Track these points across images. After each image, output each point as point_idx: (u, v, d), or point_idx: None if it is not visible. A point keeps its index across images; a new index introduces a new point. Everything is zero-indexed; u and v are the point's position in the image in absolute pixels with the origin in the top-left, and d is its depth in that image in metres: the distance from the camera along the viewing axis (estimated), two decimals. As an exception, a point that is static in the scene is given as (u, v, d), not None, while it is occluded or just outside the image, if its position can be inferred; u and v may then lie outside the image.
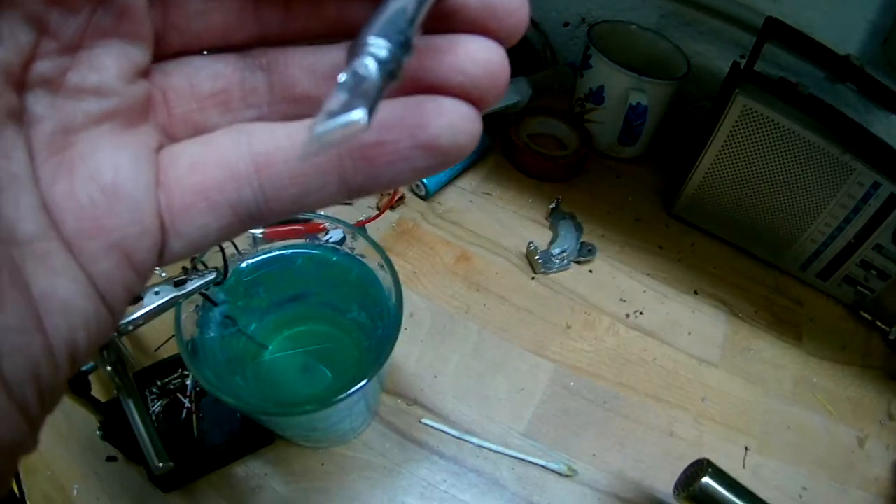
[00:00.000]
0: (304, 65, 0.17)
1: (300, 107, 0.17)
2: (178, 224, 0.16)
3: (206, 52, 0.17)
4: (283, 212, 0.16)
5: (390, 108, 0.15)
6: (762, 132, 0.58)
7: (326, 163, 0.16)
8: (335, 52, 0.17)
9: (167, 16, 0.16)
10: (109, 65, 0.15)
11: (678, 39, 0.72)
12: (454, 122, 0.15)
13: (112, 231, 0.15)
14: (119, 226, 0.15)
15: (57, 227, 0.14)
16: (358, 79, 0.13)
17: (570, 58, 0.82)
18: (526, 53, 0.81)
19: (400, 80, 0.14)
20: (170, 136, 0.17)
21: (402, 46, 0.13)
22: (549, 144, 0.72)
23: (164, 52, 0.16)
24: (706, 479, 0.42)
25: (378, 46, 0.13)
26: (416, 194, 0.65)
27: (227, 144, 0.16)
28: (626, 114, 0.67)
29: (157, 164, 0.16)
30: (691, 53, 0.72)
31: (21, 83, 0.14)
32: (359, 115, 0.12)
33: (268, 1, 0.16)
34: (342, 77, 0.13)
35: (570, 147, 0.70)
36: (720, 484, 0.42)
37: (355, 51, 0.13)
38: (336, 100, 0.13)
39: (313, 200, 0.16)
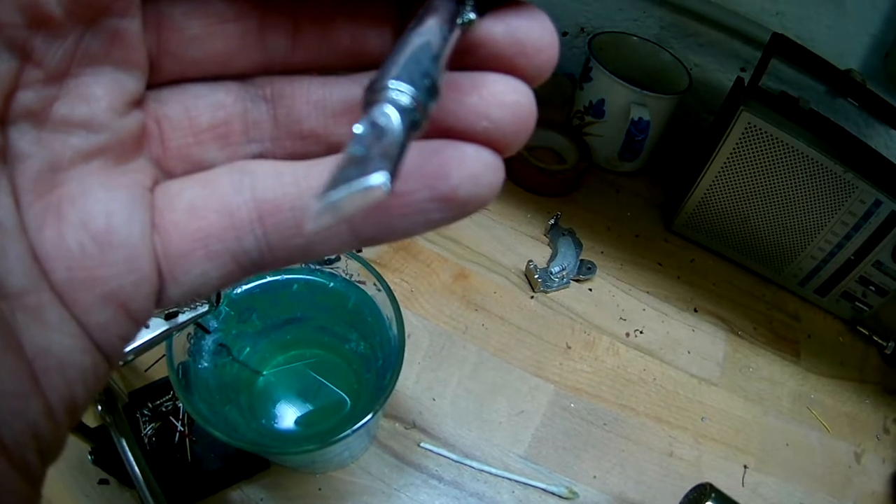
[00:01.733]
0: (312, 99, 0.16)
1: (306, 143, 0.16)
2: (176, 271, 0.15)
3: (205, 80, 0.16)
4: (287, 261, 0.15)
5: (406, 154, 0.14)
6: (766, 149, 0.58)
7: (331, 225, 0.15)
8: (347, 87, 0.16)
9: (162, 41, 0.14)
10: (100, 95, 0.14)
11: (678, 51, 0.72)
12: (476, 172, 0.14)
13: (106, 281, 0.14)
14: (114, 275, 0.14)
15: (47, 278, 0.13)
16: (377, 131, 0.11)
17: (568, 68, 0.81)
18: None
19: (424, 129, 0.12)
20: (165, 171, 0.15)
21: (428, 92, 0.12)
22: (547, 157, 0.72)
23: (159, 79, 0.15)
24: (709, 504, 0.42)
25: (400, 91, 0.12)
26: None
27: (228, 188, 0.15)
28: (628, 129, 0.66)
29: (151, 204, 0.15)
30: (691, 65, 0.72)
31: (2, 117, 0.13)
32: (379, 179, 0.11)
33: (273, 26, 0.15)
34: (358, 128, 0.11)
35: (569, 161, 0.70)
36: (723, 509, 0.42)
37: (374, 96, 0.12)
38: (352, 157, 0.11)
39: (321, 250, 0.15)
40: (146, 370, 0.48)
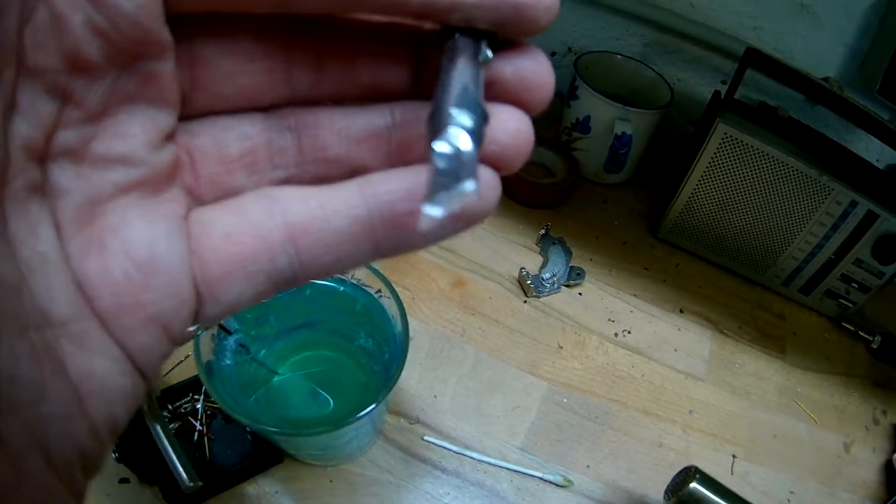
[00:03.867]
0: (334, 128, 0.17)
1: (330, 168, 0.17)
2: (216, 292, 0.16)
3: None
4: (317, 276, 0.17)
5: (421, 177, 0.15)
6: (743, 158, 0.60)
7: (360, 231, 0.16)
8: (367, 117, 0.17)
9: (194, 77, 0.15)
10: (136, 132, 0.14)
11: (662, 67, 0.75)
12: (482, 190, 0.15)
13: (150, 305, 0.14)
14: (157, 300, 0.15)
15: (91, 305, 0.14)
16: (455, 149, 0.13)
17: (557, 87, 0.84)
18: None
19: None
20: (196, 198, 0.16)
21: (483, 117, 0.14)
22: (537, 172, 0.75)
23: (190, 112, 0.16)
24: (694, 485, 0.44)
25: (462, 116, 0.13)
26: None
27: (260, 214, 0.16)
28: (612, 143, 0.69)
29: (187, 232, 0.16)
30: (674, 80, 0.75)
31: (43, 155, 0.13)
32: (472, 185, 0.13)
33: (300, 64, 0.16)
34: (442, 146, 0.13)
35: (559, 174, 0.73)
36: (708, 489, 0.44)
37: (440, 121, 0.13)
38: (439, 172, 0.13)
39: (348, 265, 0.17)
40: (165, 374, 0.51)
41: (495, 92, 0.16)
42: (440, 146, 0.13)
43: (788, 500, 0.53)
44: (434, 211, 0.13)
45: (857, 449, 0.58)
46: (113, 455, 0.43)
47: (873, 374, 0.65)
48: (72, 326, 0.13)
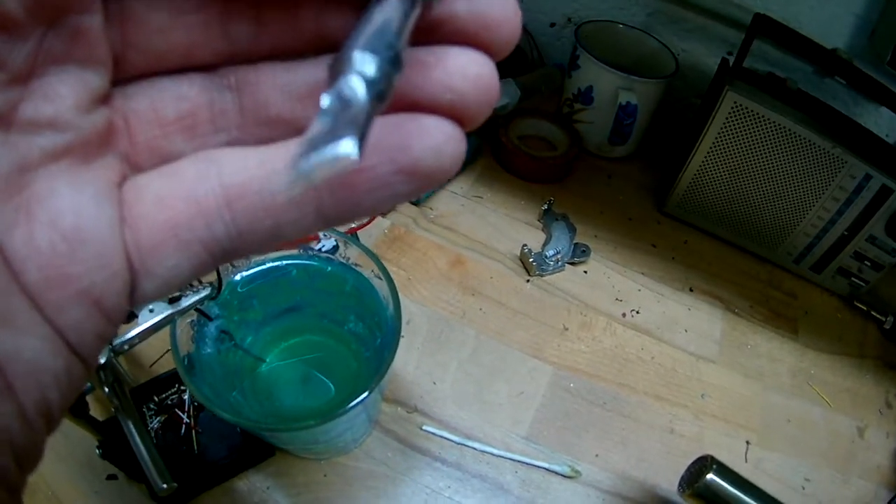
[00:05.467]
0: (277, 84, 0.16)
1: (274, 130, 0.16)
2: (149, 264, 0.15)
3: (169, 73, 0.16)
4: (258, 245, 0.15)
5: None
6: (753, 128, 0.58)
7: (302, 194, 0.14)
8: (312, 70, 0.16)
9: (126, 35, 0.14)
10: (65, 94, 0.13)
11: (665, 37, 0.73)
12: (438, 144, 0.14)
13: (78, 278, 0.13)
14: (85, 272, 0.14)
15: (18, 279, 0.13)
16: (344, 102, 0.12)
17: (557, 58, 0.82)
18: (513, 55, 0.81)
19: (389, 100, 0.12)
20: (133, 166, 0.15)
21: (392, 62, 0.12)
22: (538, 146, 0.72)
23: (124, 75, 0.15)
24: (711, 476, 0.42)
25: (364, 62, 0.12)
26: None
27: (194, 177, 0.15)
28: (616, 113, 0.67)
29: (120, 200, 0.15)
30: (678, 51, 0.73)
31: None
32: (348, 147, 0.11)
33: (237, 15, 0.15)
34: (325, 100, 0.12)
35: (560, 148, 0.71)
36: (725, 480, 0.42)
37: (339, 68, 0.12)
38: (320, 128, 0.11)
39: (289, 232, 0.15)
40: (151, 365, 0.49)
41: (449, 33, 0.14)
42: (325, 98, 0.11)
43: (803, 488, 0.51)
44: (299, 172, 0.11)
45: (870, 433, 0.56)
46: (97, 451, 0.41)
47: (886, 355, 0.63)
48: None
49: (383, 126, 0.14)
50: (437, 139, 0.14)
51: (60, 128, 0.13)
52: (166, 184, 0.15)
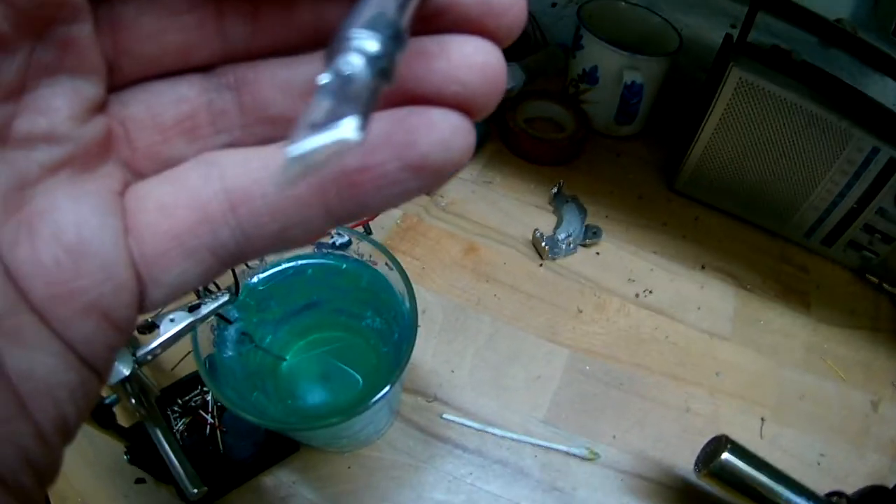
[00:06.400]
0: (276, 81, 0.15)
1: (276, 128, 0.15)
2: (155, 273, 0.14)
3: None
4: (266, 249, 0.15)
5: (373, 125, 0.12)
6: (759, 103, 0.58)
7: (308, 193, 0.14)
8: (312, 65, 0.15)
9: (118, 41, 0.14)
10: (59, 105, 0.13)
11: (668, 13, 0.72)
12: (445, 137, 0.13)
13: (85, 292, 0.13)
14: (91, 286, 0.13)
15: (25, 297, 0.13)
16: (343, 80, 0.11)
17: (560, 38, 0.81)
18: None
19: (394, 81, 0.12)
20: (135, 173, 0.15)
21: (394, 39, 0.11)
22: (546, 128, 0.72)
23: (120, 81, 0.15)
24: (726, 455, 0.42)
25: (365, 38, 0.11)
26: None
27: (196, 182, 0.14)
28: (622, 93, 0.66)
29: (122, 209, 0.14)
30: (682, 26, 0.72)
31: None
32: (350, 126, 0.10)
33: (231, 12, 0.15)
34: (323, 79, 0.11)
35: (568, 129, 0.70)
36: (740, 459, 0.42)
37: (337, 46, 0.11)
38: (318, 108, 0.11)
39: (298, 234, 0.15)
40: (173, 368, 0.49)
41: (453, 20, 0.14)
42: (323, 77, 0.11)
43: (818, 463, 0.51)
44: (295, 157, 0.10)
45: (884, 407, 0.56)
46: (125, 457, 0.41)
47: (898, 327, 0.63)
48: (6, 322, 0.12)
49: (388, 121, 0.13)
50: (445, 132, 0.13)
51: (57, 140, 0.13)
52: (169, 190, 0.15)
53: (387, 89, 0.12)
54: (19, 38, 0.12)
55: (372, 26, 0.11)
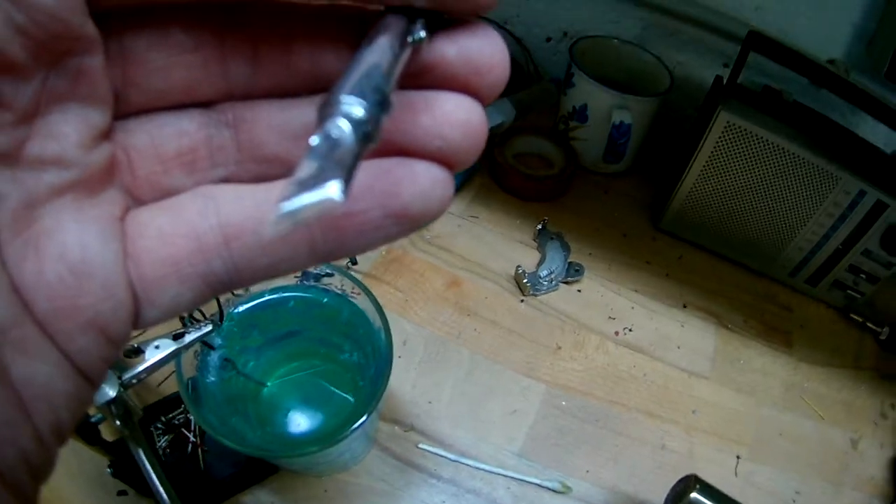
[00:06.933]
0: (272, 124, 0.16)
1: (270, 167, 0.17)
2: (151, 294, 0.15)
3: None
4: (254, 280, 0.16)
5: (359, 174, 0.13)
6: (746, 146, 0.58)
7: (295, 235, 0.15)
8: (307, 110, 0.16)
9: (127, 74, 0.15)
10: (68, 132, 0.14)
11: (660, 50, 0.73)
12: (426, 189, 0.14)
13: (86, 309, 0.14)
14: (92, 303, 0.14)
15: (30, 310, 0.14)
16: (331, 143, 0.12)
17: (554, 72, 0.82)
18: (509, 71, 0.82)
19: (377, 142, 0.13)
20: (135, 198, 0.16)
21: (379, 105, 0.13)
22: (535, 163, 0.73)
23: (126, 110, 0.16)
24: (694, 495, 0.43)
25: (352, 104, 0.12)
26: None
27: (194, 214, 0.16)
28: (610, 132, 0.67)
29: (123, 234, 0.15)
30: (674, 63, 0.73)
31: None
32: (333, 189, 0.11)
33: (234, 54, 0.16)
34: (313, 141, 0.12)
35: (556, 165, 0.71)
36: (709, 499, 0.43)
37: (327, 110, 0.12)
38: (307, 168, 0.12)
39: (284, 269, 0.16)
40: (158, 385, 0.50)
41: (439, 78, 0.15)
42: (313, 139, 0.12)
43: (794, 501, 0.52)
44: (285, 213, 0.11)
45: (864, 444, 0.57)
46: (108, 470, 0.43)
47: (881, 366, 0.63)
48: (12, 333, 0.13)
49: (374, 170, 0.15)
50: (425, 184, 0.14)
51: (65, 164, 0.14)
52: (168, 220, 0.16)
53: (375, 145, 0.13)
54: (35, 66, 0.13)
55: (360, 92, 0.12)
